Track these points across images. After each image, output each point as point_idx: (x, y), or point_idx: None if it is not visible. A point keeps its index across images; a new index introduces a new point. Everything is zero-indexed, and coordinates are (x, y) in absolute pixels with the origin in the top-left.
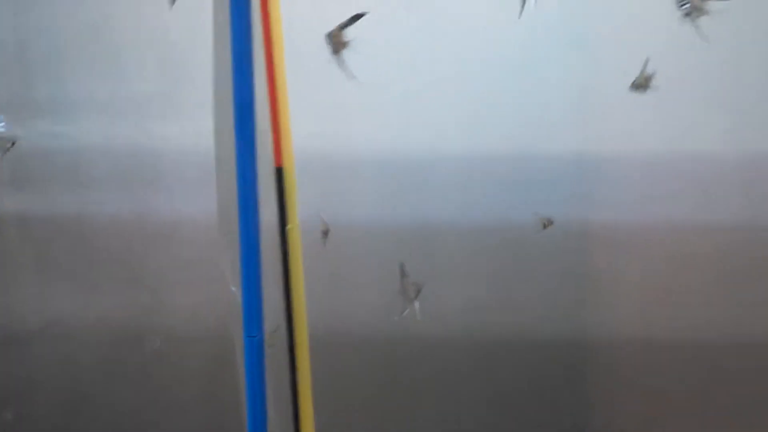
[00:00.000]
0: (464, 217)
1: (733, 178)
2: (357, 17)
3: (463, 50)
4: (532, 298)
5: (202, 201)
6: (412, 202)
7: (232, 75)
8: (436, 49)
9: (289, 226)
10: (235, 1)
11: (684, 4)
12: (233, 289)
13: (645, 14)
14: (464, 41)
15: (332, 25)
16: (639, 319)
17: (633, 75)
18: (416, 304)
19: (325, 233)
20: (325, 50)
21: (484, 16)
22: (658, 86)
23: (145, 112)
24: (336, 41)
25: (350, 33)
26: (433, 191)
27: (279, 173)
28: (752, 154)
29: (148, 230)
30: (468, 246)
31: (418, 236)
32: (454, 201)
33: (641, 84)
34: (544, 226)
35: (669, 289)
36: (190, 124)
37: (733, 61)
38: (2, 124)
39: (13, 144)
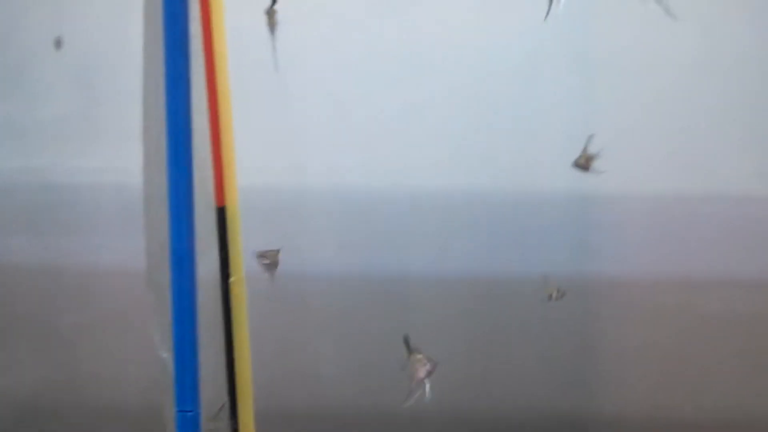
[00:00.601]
0: (444, 268)
1: (750, 227)
2: None
3: (438, 76)
4: (526, 366)
5: (127, 247)
6: (381, 248)
7: (165, 98)
8: (405, 74)
9: (232, 278)
10: (169, 12)
11: None
12: (163, 355)
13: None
14: (440, 66)
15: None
16: (646, 394)
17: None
18: (426, 386)
19: (276, 285)
20: (278, 72)
21: (463, 43)
22: (670, 128)
23: (60, 141)
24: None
25: (307, 52)
26: (403, 235)
27: (221, 214)
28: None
29: (62, 282)
30: (449, 301)
31: (392, 288)
32: (431, 248)
33: (582, 164)
34: (552, 297)
35: (678, 359)
36: (114, 156)
37: (742, 103)
38: None
39: None
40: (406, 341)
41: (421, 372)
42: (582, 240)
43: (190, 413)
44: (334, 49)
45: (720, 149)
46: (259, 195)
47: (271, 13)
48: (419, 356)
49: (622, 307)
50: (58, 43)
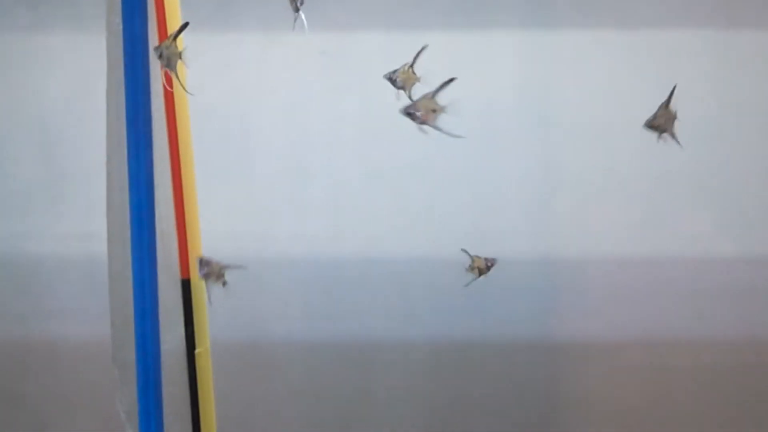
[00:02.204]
0: (407, 334)
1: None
2: None
3: (400, 144)
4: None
5: (91, 322)
6: (345, 315)
7: (127, 169)
8: (368, 142)
9: (198, 350)
10: (131, 86)
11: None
12: (129, 431)
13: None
14: (403, 134)
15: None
16: None
17: None
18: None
19: (242, 354)
20: (240, 141)
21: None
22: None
23: (21, 210)
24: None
25: (269, 121)
26: (367, 301)
27: (186, 286)
28: (748, 258)
29: (22, 358)
30: (412, 366)
31: (356, 354)
32: (394, 314)
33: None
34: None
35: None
36: (77, 226)
37: (715, 165)
38: None
39: None
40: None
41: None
42: (545, 303)
43: None
44: (297, 119)
45: (683, 212)
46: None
47: None
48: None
49: (589, 367)
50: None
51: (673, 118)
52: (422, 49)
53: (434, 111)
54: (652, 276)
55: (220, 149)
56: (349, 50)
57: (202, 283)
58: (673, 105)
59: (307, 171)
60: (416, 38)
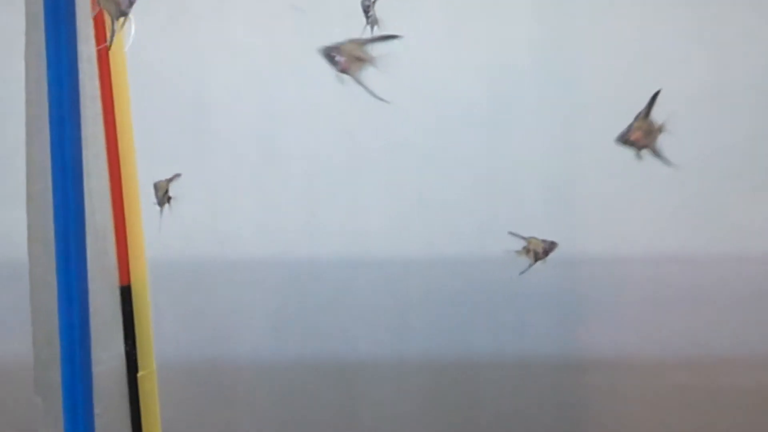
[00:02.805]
0: (398, 349)
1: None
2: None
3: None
4: None
5: (8, 339)
6: (323, 326)
7: (50, 150)
8: (350, 126)
9: (141, 373)
10: (53, 37)
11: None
12: None
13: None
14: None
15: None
16: None
17: None
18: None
19: (198, 376)
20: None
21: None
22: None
23: None
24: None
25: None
26: (350, 310)
27: (125, 294)
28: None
29: None
30: (405, 388)
31: (337, 374)
32: (382, 326)
33: None
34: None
35: None
36: None
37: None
38: None
39: None
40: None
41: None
42: (567, 311)
43: None
44: (264, 87)
45: (736, 202)
46: (173, 269)
47: None
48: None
49: (620, 388)
50: None
51: (655, 130)
52: (373, 23)
53: (359, 60)
54: (697, 278)
55: (169, 125)
56: (325, 7)
57: (146, 290)
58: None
59: (277, 151)
60: None
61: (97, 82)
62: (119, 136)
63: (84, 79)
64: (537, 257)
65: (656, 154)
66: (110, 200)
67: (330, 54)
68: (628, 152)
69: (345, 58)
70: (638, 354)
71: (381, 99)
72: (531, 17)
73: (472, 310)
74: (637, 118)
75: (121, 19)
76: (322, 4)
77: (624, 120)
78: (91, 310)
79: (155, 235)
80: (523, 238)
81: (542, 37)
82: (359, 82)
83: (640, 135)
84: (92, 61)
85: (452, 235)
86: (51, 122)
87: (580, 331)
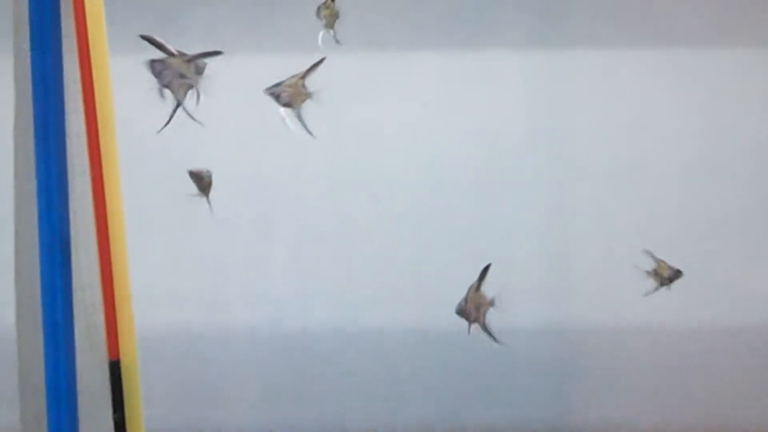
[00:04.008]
0: (393, 420)
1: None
2: None
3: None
4: None
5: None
6: (316, 398)
7: (38, 224)
8: (338, 191)
9: None
10: (41, 114)
11: None
12: None
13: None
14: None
15: None
16: None
17: None
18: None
19: None
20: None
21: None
22: None
23: None
24: None
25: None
26: (343, 381)
27: (114, 369)
28: None
29: None
30: None
31: None
32: (376, 397)
33: None
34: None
35: None
36: None
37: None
38: None
39: None
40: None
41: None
42: (563, 382)
43: None
44: (255, 153)
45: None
46: (164, 339)
47: None
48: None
49: None
50: None
51: (486, 304)
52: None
53: (301, 96)
54: (694, 348)
55: (157, 192)
56: (319, 75)
57: (136, 365)
58: (486, 288)
59: (267, 218)
60: (403, 58)
61: (86, 157)
62: (109, 210)
63: (72, 153)
64: (662, 282)
65: (485, 329)
66: (99, 275)
67: (272, 92)
68: (623, 219)
69: (288, 92)
70: (635, 424)
71: (310, 133)
72: (524, 84)
73: (465, 381)
74: (469, 290)
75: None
76: (314, 71)
77: (618, 186)
78: (80, 385)
79: (145, 308)
80: (655, 259)
81: (536, 104)
82: (299, 117)
83: (472, 307)
84: (81, 135)
85: (445, 305)
86: (39, 196)
87: (574, 402)
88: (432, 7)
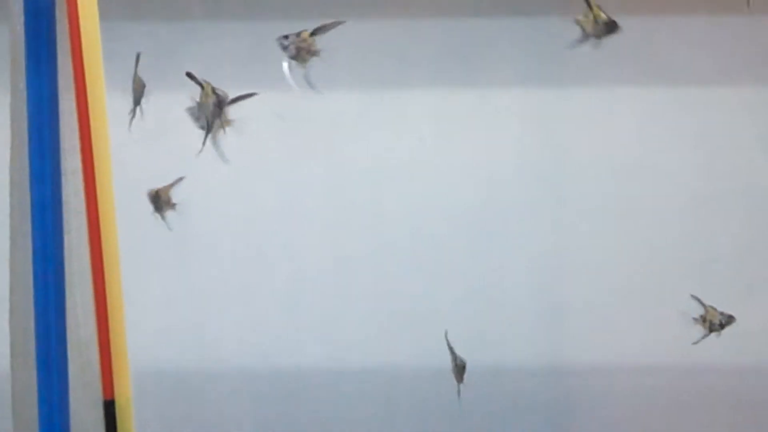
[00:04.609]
0: None
1: None
2: None
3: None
4: None
5: None
6: None
7: (32, 262)
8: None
9: None
10: (37, 157)
11: None
12: None
13: None
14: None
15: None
16: None
17: None
18: None
19: None
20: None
21: None
22: None
23: None
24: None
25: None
26: (337, 423)
27: (109, 409)
28: None
29: None
30: None
31: None
32: None
33: None
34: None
35: None
36: None
37: None
38: None
39: None
40: None
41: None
42: (558, 422)
43: None
44: (248, 191)
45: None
46: (157, 379)
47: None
48: None
49: None
50: None
51: None
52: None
53: (309, 52)
54: (689, 387)
55: (153, 230)
56: (312, 112)
57: (130, 404)
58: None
59: (261, 256)
60: (397, 97)
61: (81, 195)
62: (104, 248)
63: (68, 191)
64: (713, 328)
65: None
66: (94, 314)
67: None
68: (618, 259)
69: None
70: None
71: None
72: (520, 122)
73: (460, 421)
74: None
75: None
76: (307, 112)
77: (615, 224)
78: (74, 424)
79: (140, 346)
80: (703, 305)
81: (531, 142)
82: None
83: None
84: (77, 172)
85: (439, 345)
86: (34, 234)
87: None
88: (426, 44)
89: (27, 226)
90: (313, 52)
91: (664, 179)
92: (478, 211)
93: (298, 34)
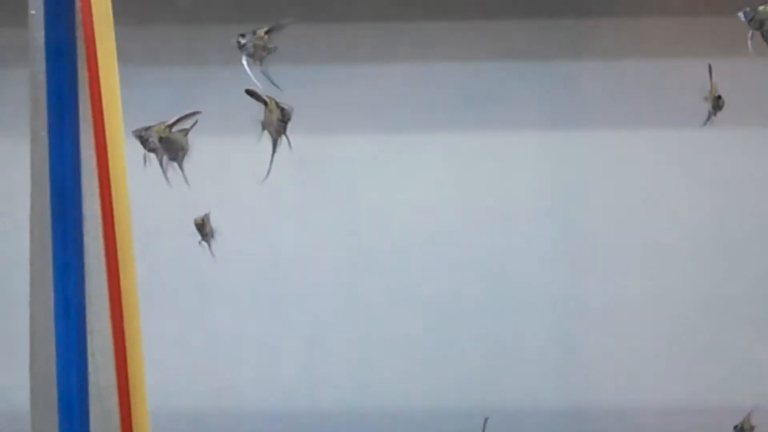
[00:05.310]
0: None
1: None
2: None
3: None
4: None
5: None
6: None
7: (54, 305)
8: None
9: None
10: (58, 199)
11: None
12: None
13: None
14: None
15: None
16: None
17: None
18: None
19: None
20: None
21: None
22: None
23: None
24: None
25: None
26: None
27: None
28: None
29: None
30: None
31: None
32: None
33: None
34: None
35: None
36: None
37: None
38: None
39: None
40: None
41: None
42: None
43: None
44: (266, 237)
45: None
46: (175, 421)
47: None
48: None
49: None
50: None
51: None
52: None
53: (265, 50)
54: (709, 427)
55: (171, 275)
56: (332, 156)
57: None
58: None
59: (278, 302)
60: (415, 140)
61: (101, 240)
62: (124, 295)
63: (89, 235)
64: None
65: None
66: (113, 354)
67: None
68: (635, 302)
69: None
70: None
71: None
72: (535, 165)
73: None
74: None
75: None
76: (327, 156)
77: (631, 265)
78: None
79: (158, 391)
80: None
81: (547, 184)
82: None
83: None
84: (96, 217)
85: (457, 388)
86: (55, 280)
87: None
88: (443, 88)
89: (47, 272)
90: (269, 50)
91: (678, 219)
92: (496, 252)
93: (254, 32)
